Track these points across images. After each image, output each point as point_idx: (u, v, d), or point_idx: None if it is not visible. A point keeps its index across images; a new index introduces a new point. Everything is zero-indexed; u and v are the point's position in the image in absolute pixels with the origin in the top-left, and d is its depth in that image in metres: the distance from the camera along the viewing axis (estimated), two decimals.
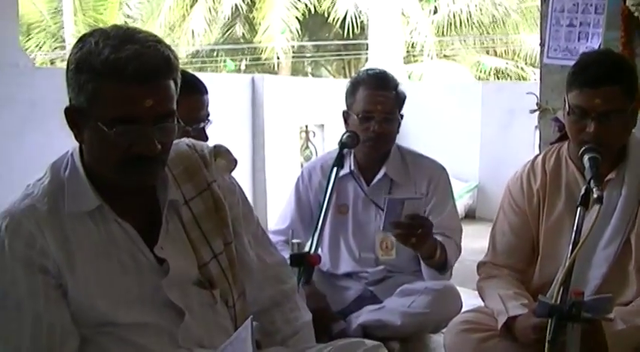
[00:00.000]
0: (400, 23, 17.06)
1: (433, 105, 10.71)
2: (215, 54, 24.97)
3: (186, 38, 22.79)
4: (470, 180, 10.37)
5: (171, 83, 2.08)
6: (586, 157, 2.85)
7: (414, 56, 23.22)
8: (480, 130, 10.32)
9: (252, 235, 2.48)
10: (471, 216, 10.29)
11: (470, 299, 3.95)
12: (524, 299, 3.05)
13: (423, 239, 3.53)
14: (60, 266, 2.09)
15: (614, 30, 4.14)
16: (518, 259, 3.27)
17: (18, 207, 2.11)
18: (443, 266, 3.82)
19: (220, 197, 2.32)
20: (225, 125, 7.13)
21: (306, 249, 3.20)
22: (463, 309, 3.73)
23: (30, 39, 22.83)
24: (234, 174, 2.47)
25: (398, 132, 3.96)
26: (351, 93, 3.94)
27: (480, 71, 22.96)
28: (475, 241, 5.31)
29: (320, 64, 27.00)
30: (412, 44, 22.23)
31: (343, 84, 4.11)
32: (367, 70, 4.07)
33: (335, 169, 3.58)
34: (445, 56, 23.62)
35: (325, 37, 25.10)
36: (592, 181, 2.69)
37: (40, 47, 23.29)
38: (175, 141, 2.21)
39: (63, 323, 2.10)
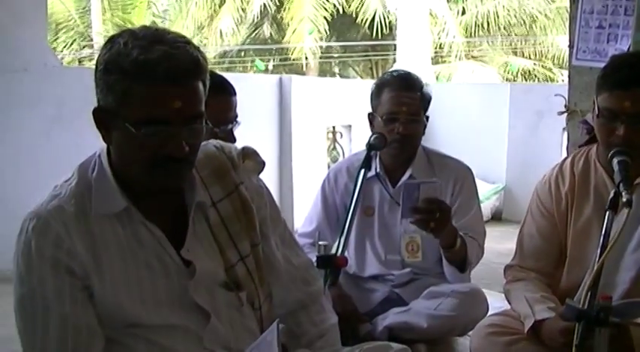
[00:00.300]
0: (428, 24, 17.06)
1: (461, 106, 10.69)
2: (243, 54, 25.02)
3: (215, 38, 22.87)
4: (497, 182, 10.33)
5: (200, 84, 2.07)
6: (615, 160, 2.82)
7: (442, 57, 23.20)
8: (508, 132, 10.28)
9: (280, 237, 2.46)
10: (497, 217, 10.27)
11: (496, 302, 3.94)
12: (552, 302, 3.03)
13: (442, 223, 3.49)
14: (87, 267, 2.09)
15: None
16: (546, 262, 3.25)
17: (45, 208, 2.11)
18: (463, 262, 3.80)
19: (248, 199, 2.32)
20: (252, 126, 7.13)
21: (333, 251, 3.20)
22: (489, 312, 3.73)
23: (58, 38, 22.99)
24: (261, 175, 2.47)
25: (424, 133, 3.95)
26: (376, 95, 3.93)
27: (508, 72, 22.88)
28: (501, 243, 5.31)
29: (348, 64, 27.01)
30: (440, 45, 22.22)
31: (371, 85, 4.10)
32: (392, 71, 4.07)
33: (362, 171, 3.56)
34: (473, 57, 23.56)
35: (353, 38, 25.08)
36: (621, 185, 2.66)
37: (69, 46, 23.44)
38: (203, 143, 2.22)
39: (89, 325, 2.10)
